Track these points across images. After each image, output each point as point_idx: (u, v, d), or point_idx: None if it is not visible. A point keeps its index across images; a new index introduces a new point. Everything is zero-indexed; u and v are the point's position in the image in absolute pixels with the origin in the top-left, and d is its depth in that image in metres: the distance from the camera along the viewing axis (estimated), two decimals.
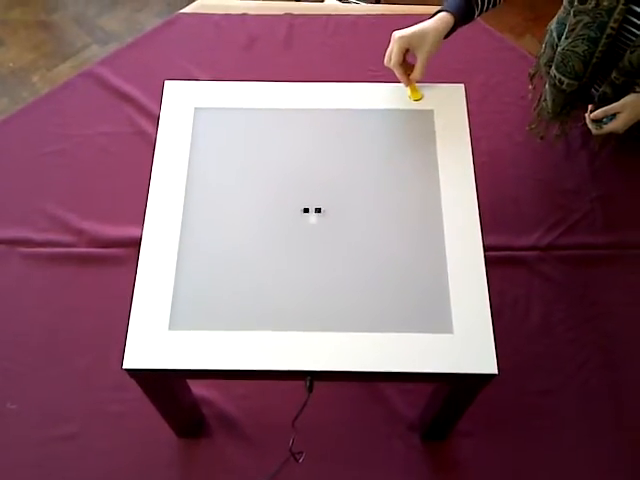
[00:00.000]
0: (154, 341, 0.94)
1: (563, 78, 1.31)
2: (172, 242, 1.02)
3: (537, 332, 1.42)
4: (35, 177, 1.62)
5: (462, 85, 1.18)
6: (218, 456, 1.29)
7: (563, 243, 1.52)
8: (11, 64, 2.31)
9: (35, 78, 2.28)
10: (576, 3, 1.19)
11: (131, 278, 0.98)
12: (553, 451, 1.30)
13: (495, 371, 0.92)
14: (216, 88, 1.18)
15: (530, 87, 1.54)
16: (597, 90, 1.32)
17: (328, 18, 1.89)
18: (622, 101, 1.21)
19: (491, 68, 1.79)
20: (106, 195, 1.59)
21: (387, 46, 1.12)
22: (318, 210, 1.05)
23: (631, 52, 1.17)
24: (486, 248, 1.01)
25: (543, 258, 1.50)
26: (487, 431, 1.31)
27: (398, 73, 1.13)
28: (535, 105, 1.52)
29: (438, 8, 1.13)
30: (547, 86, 1.41)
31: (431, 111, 1.15)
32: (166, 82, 1.19)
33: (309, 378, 0.95)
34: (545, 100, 1.44)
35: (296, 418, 0.98)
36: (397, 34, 1.10)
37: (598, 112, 1.23)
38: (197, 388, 1.27)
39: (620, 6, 1.13)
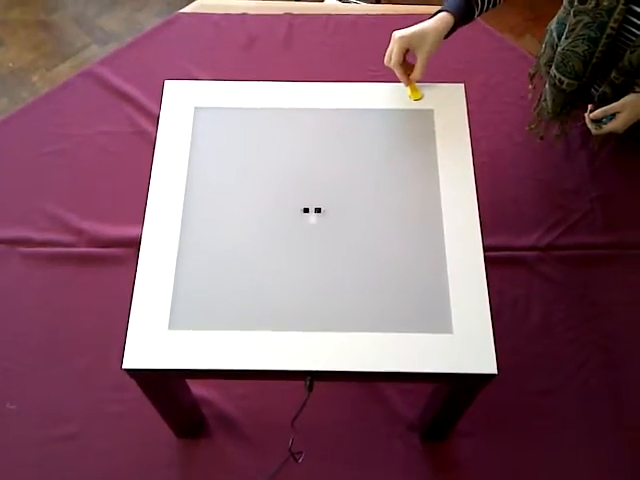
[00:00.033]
0: (154, 341, 0.94)
1: (563, 78, 1.31)
2: (172, 242, 1.02)
3: (537, 332, 1.42)
4: (35, 177, 1.62)
5: (462, 85, 1.18)
6: (218, 456, 1.29)
7: (563, 243, 1.52)
8: (11, 64, 2.31)
9: (35, 78, 2.28)
10: (576, 3, 1.19)
11: (131, 278, 0.98)
12: (553, 451, 1.30)
13: (495, 371, 0.92)
14: (216, 88, 1.18)
15: (530, 87, 1.54)
16: (597, 90, 1.32)
17: (328, 18, 1.89)
18: (622, 101, 1.21)
19: (491, 68, 1.79)
20: (106, 195, 1.59)
21: (387, 46, 1.12)
22: (318, 210, 1.05)
23: (631, 52, 1.17)
24: (486, 248, 1.01)
25: (543, 258, 1.50)
26: (487, 431, 1.31)
27: (398, 73, 1.13)
28: (535, 105, 1.52)
29: (438, 8, 1.13)
30: (547, 86, 1.41)
31: (431, 111, 1.15)
32: (166, 82, 1.19)
33: (309, 378, 0.94)
34: (545, 100, 1.44)
35: (296, 418, 0.98)
36: (397, 34, 1.10)
37: (598, 112, 1.23)
38: (197, 388, 1.27)
39: (620, 6, 1.13)
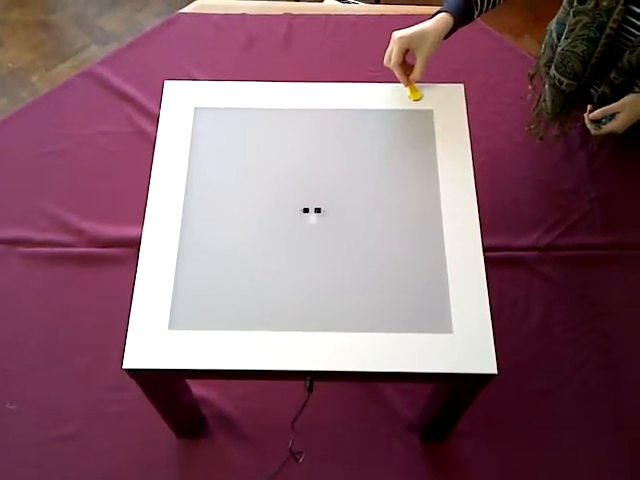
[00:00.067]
0: (154, 341, 0.94)
1: (562, 78, 1.31)
2: (172, 242, 1.02)
3: (537, 332, 1.42)
4: (35, 177, 1.62)
5: (462, 85, 1.18)
6: (218, 456, 1.29)
7: (562, 243, 1.52)
8: (10, 64, 2.31)
9: (34, 78, 2.28)
10: (575, 3, 1.19)
11: (131, 278, 0.98)
12: (553, 451, 1.30)
13: (495, 371, 0.92)
14: (216, 88, 1.18)
15: (530, 87, 1.54)
16: (596, 90, 1.32)
17: (328, 18, 1.89)
18: (621, 101, 1.21)
19: (490, 68, 1.79)
20: (106, 195, 1.59)
21: (387, 46, 1.12)
22: (318, 210, 1.05)
23: (630, 52, 1.17)
24: (485, 248, 1.01)
25: (542, 258, 1.50)
26: (487, 431, 1.31)
27: (398, 73, 1.13)
28: (534, 105, 1.52)
29: (438, 8, 1.13)
30: (547, 86, 1.41)
31: (431, 111, 1.15)
32: (166, 82, 1.19)
33: (309, 378, 0.95)
34: (544, 100, 1.44)
35: (296, 418, 0.98)
36: (397, 34, 1.10)
37: (597, 112, 1.23)
38: (197, 388, 1.27)
39: (619, 6, 1.13)
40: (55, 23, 2.43)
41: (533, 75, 1.53)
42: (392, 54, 1.11)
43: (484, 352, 0.93)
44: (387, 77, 1.17)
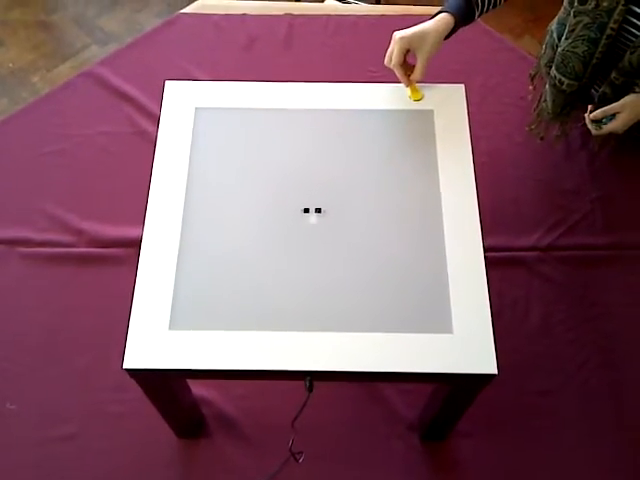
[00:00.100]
0: (154, 341, 0.94)
1: (563, 79, 1.31)
2: (172, 242, 1.02)
3: (537, 332, 1.42)
4: (35, 177, 1.62)
5: (462, 85, 1.18)
6: (218, 456, 1.29)
7: (563, 244, 1.52)
8: (11, 64, 2.31)
9: (35, 78, 2.28)
10: (576, 4, 1.19)
11: (131, 278, 0.98)
12: (553, 451, 1.30)
13: (495, 371, 0.92)
14: (216, 88, 1.18)
15: (530, 88, 1.54)
16: (597, 90, 1.32)
17: (328, 18, 1.89)
18: (622, 101, 1.21)
19: (490, 69, 1.79)
20: (106, 195, 1.59)
21: (387, 47, 1.12)
22: (318, 210, 1.05)
23: (631, 53, 1.17)
24: (486, 249, 1.01)
25: (543, 259, 1.50)
26: (487, 431, 1.31)
27: (398, 73, 1.13)
28: (535, 106, 1.52)
29: (439, 9, 1.13)
30: (547, 87, 1.41)
31: (431, 111, 1.15)
32: (166, 82, 1.19)
33: (309, 378, 0.94)
34: (545, 101, 1.44)
35: (296, 418, 0.98)
36: (398, 35, 1.10)
37: (598, 112, 1.23)
38: (197, 388, 1.27)
39: (620, 7, 1.13)
40: (56, 23, 2.43)
41: (534, 75, 1.53)
42: (393, 54, 1.11)
43: (484, 352, 0.93)
44: (387, 77, 1.17)
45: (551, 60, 1.36)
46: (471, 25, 1.17)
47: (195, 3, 1.94)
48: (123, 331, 0.94)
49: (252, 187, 1.07)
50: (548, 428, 1.32)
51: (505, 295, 1.45)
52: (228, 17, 1.89)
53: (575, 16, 1.21)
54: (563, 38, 1.27)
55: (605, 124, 1.23)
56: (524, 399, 1.35)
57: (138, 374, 0.95)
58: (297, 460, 1.07)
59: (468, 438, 1.31)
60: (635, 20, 1.14)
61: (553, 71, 1.33)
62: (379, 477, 1.28)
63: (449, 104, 1.16)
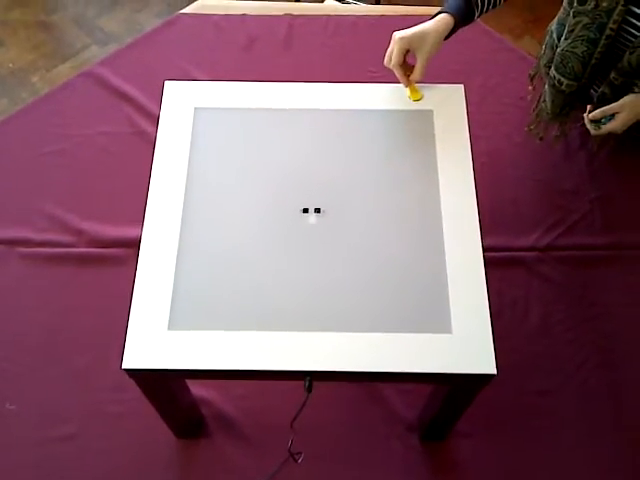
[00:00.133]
0: (153, 341, 0.94)
1: (562, 79, 1.31)
2: (172, 242, 1.02)
3: (536, 332, 1.42)
4: (35, 177, 1.62)
5: (462, 85, 1.18)
6: (217, 456, 1.29)
7: (562, 244, 1.52)
8: (11, 65, 2.31)
9: (35, 79, 2.28)
10: (575, 4, 1.19)
11: (131, 278, 0.98)
12: (552, 451, 1.30)
13: (494, 371, 0.92)
14: (216, 88, 1.18)
15: (530, 88, 1.54)
16: (596, 91, 1.32)
17: (328, 19, 1.89)
18: (621, 101, 1.21)
19: (490, 69, 1.80)
20: (106, 195, 1.59)
21: (387, 47, 1.12)
22: (318, 210, 1.05)
23: (630, 53, 1.17)
24: (485, 249, 1.02)
25: (542, 259, 1.50)
26: (486, 432, 1.31)
27: (398, 74, 1.13)
28: (534, 106, 1.52)
29: (438, 9, 1.13)
30: (547, 87, 1.41)
31: (430, 111, 1.15)
32: (166, 82, 1.19)
33: (308, 378, 0.95)
34: (544, 101, 1.44)
35: (295, 418, 0.98)
36: (397, 35, 1.10)
37: (597, 112, 1.23)
38: (196, 388, 1.27)
39: (619, 7, 1.13)
40: (55, 23, 2.43)
41: (533, 76, 1.53)
42: (392, 54, 1.11)
43: (483, 352, 0.93)
44: (387, 77, 1.17)
45: (550, 60, 1.37)
46: (471, 25, 1.17)
47: (195, 3, 1.95)
48: (123, 331, 0.94)
49: (252, 187, 1.08)
50: (547, 428, 1.32)
51: (504, 295, 1.45)
52: (228, 17, 1.89)
53: (574, 16, 1.21)
54: (562, 38, 1.27)
55: (604, 124, 1.23)
56: (523, 399, 1.35)
57: (137, 374, 0.95)
58: (296, 460, 1.07)
59: (467, 438, 1.31)
60: (634, 20, 1.14)
61: (552, 71, 1.34)
62: (378, 477, 1.28)
63: (448, 104, 1.16)
